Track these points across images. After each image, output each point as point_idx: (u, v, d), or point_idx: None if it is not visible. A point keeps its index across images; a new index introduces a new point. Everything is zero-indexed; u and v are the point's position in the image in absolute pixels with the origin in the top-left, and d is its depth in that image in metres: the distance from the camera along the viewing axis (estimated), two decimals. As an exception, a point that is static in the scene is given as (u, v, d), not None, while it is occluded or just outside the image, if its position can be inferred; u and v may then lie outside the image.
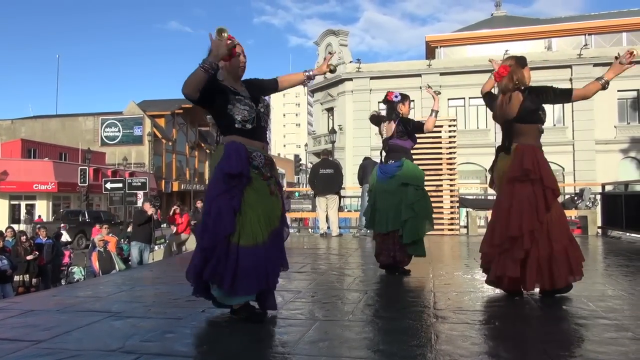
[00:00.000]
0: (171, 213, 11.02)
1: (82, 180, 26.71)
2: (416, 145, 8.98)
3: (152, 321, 2.79)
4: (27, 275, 10.33)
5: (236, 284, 2.55)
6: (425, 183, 9.22)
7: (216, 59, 2.59)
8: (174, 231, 11.12)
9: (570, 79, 24.13)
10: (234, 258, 2.55)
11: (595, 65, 24.06)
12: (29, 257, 10.32)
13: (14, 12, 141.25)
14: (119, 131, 37.68)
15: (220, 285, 2.58)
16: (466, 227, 9.32)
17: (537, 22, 30.84)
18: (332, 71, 3.25)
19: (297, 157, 41.61)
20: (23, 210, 28.54)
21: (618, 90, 24.19)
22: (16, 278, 10.05)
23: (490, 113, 3.65)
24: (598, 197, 10.70)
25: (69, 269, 12.03)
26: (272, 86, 3.10)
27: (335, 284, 4.02)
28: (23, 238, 10.66)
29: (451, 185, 9.10)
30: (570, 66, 24.16)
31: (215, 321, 2.79)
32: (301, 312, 2.96)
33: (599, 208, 10.20)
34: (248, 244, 2.58)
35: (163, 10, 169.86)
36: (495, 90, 3.68)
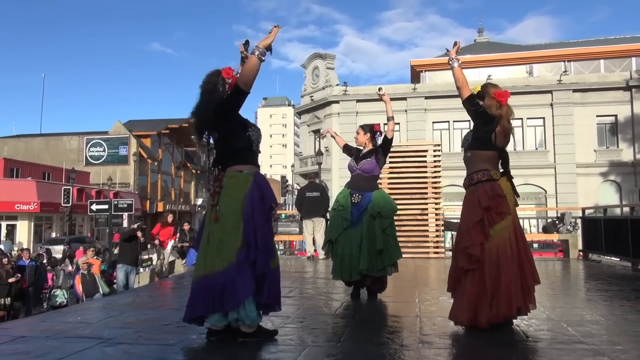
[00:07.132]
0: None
1: (65, 200, 26.35)
2: (402, 169, 8.98)
3: (144, 347, 2.82)
4: (9, 299, 10.15)
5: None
6: (411, 206, 9.14)
7: (267, 48, 2.78)
8: (158, 246, 11.05)
9: (551, 104, 24.78)
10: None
11: (575, 90, 24.77)
12: (11, 280, 10.15)
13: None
14: (104, 151, 37.40)
15: (277, 305, 2.92)
16: (452, 250, 9.42)
17: (519, 49, 31.69)
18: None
19: (283, 178, 41.68)
20: (4, 231, 28.01)
21: (597, 116, 24.88)
22: (-2, 301, 9.88)
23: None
24: (579, 221, 10.93)
25: (52, 291, 11.84)
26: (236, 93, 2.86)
27: (323, 308, 4.08)
28: (5, 260, 10.49)
29: (437, 209, 9.23)
30: (550, 91, 24.82)
31: (206, 347, 2.83)
32: (291, 338, 3.02)
33: (579, 232, 10.42)
34: (275, 266, 2.91)
35: (145, 32, 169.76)
36: None
